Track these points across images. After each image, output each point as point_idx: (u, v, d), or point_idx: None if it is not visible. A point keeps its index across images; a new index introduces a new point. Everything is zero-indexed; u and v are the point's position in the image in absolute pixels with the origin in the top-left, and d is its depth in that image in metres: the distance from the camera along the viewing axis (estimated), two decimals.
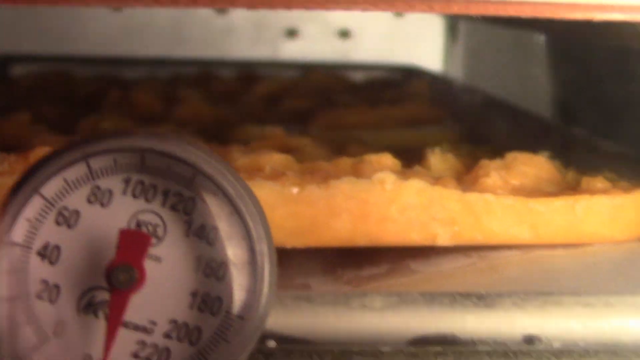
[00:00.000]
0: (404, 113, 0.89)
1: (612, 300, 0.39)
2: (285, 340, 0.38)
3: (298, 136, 0.70)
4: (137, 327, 0.36)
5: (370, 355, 0.39)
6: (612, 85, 0.87)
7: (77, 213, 0.36)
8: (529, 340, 0.38)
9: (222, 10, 1.07)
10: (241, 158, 0.56)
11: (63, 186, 0.35)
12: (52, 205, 0.35)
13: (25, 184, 0.35)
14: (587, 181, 0.58)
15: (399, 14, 1.11)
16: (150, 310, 0.36)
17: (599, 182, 0.57)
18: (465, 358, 0.40)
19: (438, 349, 0.38)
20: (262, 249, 0.36)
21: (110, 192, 0.36)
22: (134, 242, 0.35)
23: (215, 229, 0.36)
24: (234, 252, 0.36)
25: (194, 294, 0.36)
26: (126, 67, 1.02)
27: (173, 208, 0.36)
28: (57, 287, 0.36)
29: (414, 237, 0.52)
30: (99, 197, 0.36)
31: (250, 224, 0.36)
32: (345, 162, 0.57)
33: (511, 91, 1.00)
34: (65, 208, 0.36)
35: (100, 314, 0.36)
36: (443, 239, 0.52)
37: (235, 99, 0.92)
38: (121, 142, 0.35)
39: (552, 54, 0.96)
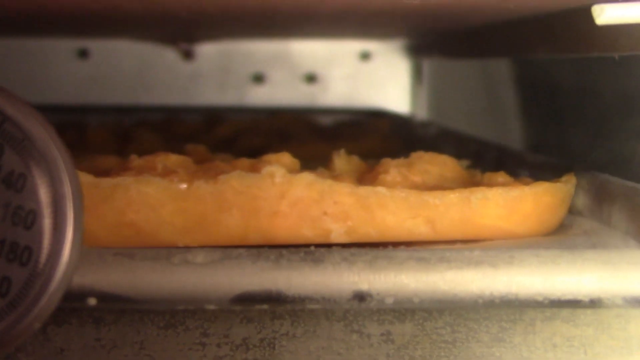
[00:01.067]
0: (358, 147, 0.88)
1: (447, 254, 0.38)
2: (106, 297, 0.37)
3: (221, 154, 0.69)
4: None
5: (197, 314, 0.38)
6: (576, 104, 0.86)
7: None
8: (360, 296, 0.37)
9: (188, 56, 1.08)
10: (137, 160, 0.56)
11: None
12: None
13: None
14: (488, 176, 0.57)
15: (365, 57, 1.11)
16: None
17: (500, 177, 0.56)
18: (297, 317, 0.38)
19: (265, 306, 0.37)
20: (67, 195, 0.35)
21: None
22: None
23: (22, 175, 0.35)
24: (41, 199, 0.35)
25: (1, 243, 0.35)
26: (92, 115, 1.02)
27: None
28: None
29: (307, 233, 0.50)
30: None
31: (57, 171, 0.35)
32: (244, 162, 0.56)
33: (479, 125, 1.00)
34: None
35: None
36: (337, 235, 0.50)
37: (194, 140, 0.92)
38: None
39: (518, 80, 0.96)
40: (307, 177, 0.51)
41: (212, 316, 0.38)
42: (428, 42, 1.03)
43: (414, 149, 0.59)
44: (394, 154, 0.88)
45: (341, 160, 0.60)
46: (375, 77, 1.10)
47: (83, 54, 1.09)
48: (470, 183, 0.57)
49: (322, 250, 0.38)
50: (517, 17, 0.70)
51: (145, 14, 0.78)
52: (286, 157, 0.56)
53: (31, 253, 0.35)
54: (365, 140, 0.92)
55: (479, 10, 0.67)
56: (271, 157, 0.56)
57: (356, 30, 0.97)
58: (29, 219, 0.35)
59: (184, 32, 1.03)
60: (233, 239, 0.50)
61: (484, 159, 0.73)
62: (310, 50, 1.10)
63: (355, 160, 0.60)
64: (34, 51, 1.05)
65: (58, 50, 1.07)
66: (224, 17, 0.78)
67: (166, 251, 0.38)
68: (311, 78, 1.10)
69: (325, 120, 1.05)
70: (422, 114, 1.07)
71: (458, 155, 0.79)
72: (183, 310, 0.38)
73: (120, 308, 0.38)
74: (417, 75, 1.09)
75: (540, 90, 0.95)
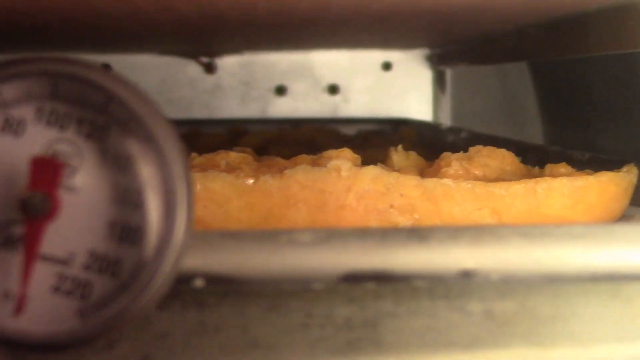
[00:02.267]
0: (387, 155, 0.88)
1: (550, 229, 0.38)
2: (213, 278, 0.37)
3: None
4: (56, 260, 0.35)
5: (300, 295, 0.38)
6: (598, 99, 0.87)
7: None
8: (466, 273, 0.37)
9: (210, 69, 1.08)
10: (198, 158, 0.56)
11: None
12: None
13: None
14: (550, 167, 0.57)
15: (387, 67, 1.12)
16: (68, 242, 0.35)
17: (562, 168, 0.57)
18: (400, 296, 0.38)
19: (373, 285, 0.37)
20: (177, 175, 0.35)
21: (24, 121, 0.35)
22: (46, 169, 0.35)
23: (130, 156, 0.36)
24: (150, 179, 0.35)
25: (112, 224, 0.35)
26: None
27: (88, 136, 0.35)
28: None
29: (374, 226, 0.50)
30: (12, 127, 0.35)
31: (165, 150, 0.35)
32: (304, 158, 0.56)
33: (503, 128, 1.00)
34: None
35: (19, 249, 0.35)
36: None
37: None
38: (31, 67, 0.35)
39: (537, 80, 0.96)
40: (373, 170, 0.51)
41: (315, 297, 0.38)
42: (450, 50, 1.04)
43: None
44: (429, 159, 0.89)
45: (399, 155, 0.60)
46: (397, 86, 1.11)
47: (105, 68, 1.08)
48: (529, 176, 0.57)
49: (427, 228, 0.38)
50: (552, 19, 0.71)
51: (166, 27, 0.79)
52: (347, 153, 0.56)
53: (142, 234, 0.35)
54: (394, 147, 0.91)
55: (526, 10, 0.68)
56: (332, 153, 0.56)
57: (378, 40, 0.97)
58: (139, 200, 0.35)
59: (205, 46, 1.03)
60: None
61: (527, 159, 0.73)
62: (331, 61, 1.10)
63: (413, 155, 0.61)
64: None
65: None
66: (244, 25, 0.78)
67: (271, 231, 0.38)
68: (333, 89, 1.11)
69: (349, 131, 1.05)
70: (445, 122, 1.08)
71: None
72: (286, 292, 0.38)
73: (223, 291, 0.38)
74: (439, 83, 1.10)
75: (560, 91, 0.96)
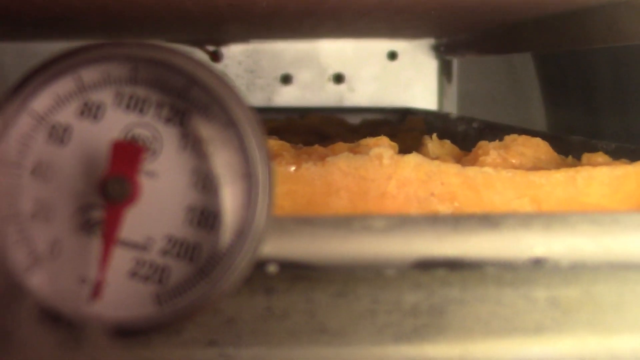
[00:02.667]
0: (401, 144, 0.88)
1: (619, 217, 0.38)
2: (286, 264, 0.37)
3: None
4: (134, 245, 0.35)
5: (367, 281, 0.38)
6: (603, 92, 0.87)
7: (69, 128, 0.35)
8: (536, 260, 0.37)
9: (215, 58, 1.08)
10: None
11: (54, 99, 0.35)
12: (43, 120, 0.35)
13: (14, 98, 0.34)
14: (587, 157, 0.57)
15: (392, 57, 1.12)
16: (146, 226, 0.35)
17: (600, 157, 0.57)
18: (467, 283, 0.39)
19: (444, 271, 0.37)
20: (258, 160, 0.35)
21: (103, 106, 0.35)
22: (127, 154, 0.34)
23: (211, 141, 0.35)
24: (230, 164, 0.35)
25: (190, 209, 0.35)
26: None
27: (168, 121, 0.35)
28: (51, 205, 0.35)
29: (414, 214, 0.51)
30: (91, 111, 0.35)
31: (246, 135, 0.35)
32: (342, 146, 0.56)
33: (508, 119, 1.01)
34: (57, 123, 0.35)
35: (97, 234, 0.35)
36: None
37: None
38: (112, 51, 0.35)
39: (542, 70, 0.97)
40: (414, 158, 0.51)
41: (382, 284, 0.39)
42: (456, 40, 1.04)
43: (460, 144, 0.60)
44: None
45: (435, 144, 0.60)
46: (403, 76, 1.11)
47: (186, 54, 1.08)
48: (564, 165, 0.58)
49: (498, 214, 0.38)
50: (558, 11, 0.71)
51: (171, 18, 0.79)
52: (385, 141, 0.57)
53: (222, 219, 0.35)
54: (405, 136, 0.92)
55: (531, 3, 0.68)
56: (370, 140, 0.57)
57: (383, 30, 0.98)
58: (218, 185, 0.35)
59: (210, 34, 1.03)
60: None
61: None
62: (337, 50, 1.10)
63: (448, 144, 0.61)
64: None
65: None
66: (247, 16, 0.78)
67: (344, 218, 0.38)
68: (339, 78, 1.11)
69: (354, 120, 1.05)
70: (451, 111, 1.08)
71: None
72: (354, 278, 0.38)
73: (291, 276, 0.38)
74: (446, 73, 1.10)
75: (565, 79, 0.96)
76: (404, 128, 0.99)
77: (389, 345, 0.38)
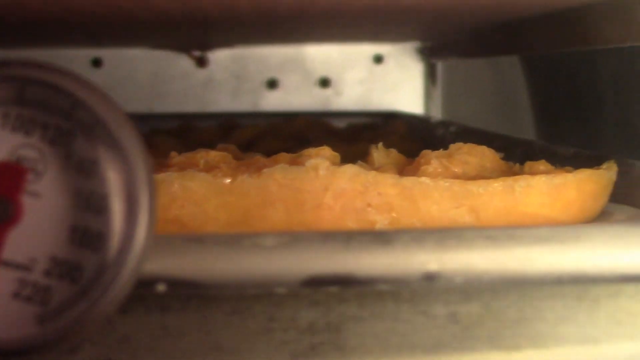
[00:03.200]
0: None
1: (515, 232, 0.38)
2: (175, 283, 0.37)
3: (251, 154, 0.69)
4: (17, 265, 0.35)
5: (263, 299, 0.38)
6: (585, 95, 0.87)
7: None
8: (429, 276, 0.37)
9: (201, 63, 1.08)
10: (177, 157, 0.56)
11: None
12: None
13: None
14: (529, 165, 0.57)
15: (378, 60, 1.11)
16: (30, 247, 0.35)
17: (542, 165, 0.56)
18: (364, 300, 0.38)
19: (336, 289, 0.37)
20: (140, 180, 0.35)
21: None
22: (10, 175, 0.34)
23: (95, 161, 0.35)
24: (113, 184, 0.35)
25: (73, 229, 0.35)
26: None
27: (53, 141, 0.35)
28: None
29: (351, 225, 0.50)
30: None
31: (130, 154, 0.35)
32: (284, 157, 0.56)
33: (494, 123, 1.00)
34: None
35: None
36: (381, 227, 0.50)
37: (212, 145, 0.92)
38: None
39: (529, 75, 0.96)
40: (351, 169, 0.51)
41: (278, 301, 0.38)
42: (441, 43, 1.03)
43: (435, 148, 0.59)
44: (416, 154, 0.88)
45: (380, 153, 0.60)
46: (389, 79, 1.10)
47: (97, 63, 1.09)
48: (509, 173, 0.57)
49: (391, 231, 0.38)
50: (544, 12, 0.71)
51: (155, 23, 0.79)
52: (327, 151, 0.56)
53: (103, 239, 0.35)
54: (385, 141, 0.91)
55: (516, 4, 0.68)
56: (311, 151, 0.56)
57: (369, 33, 0.97)
58: (101, 205, 0.35)
59: (196, 39, 1.03)
60: None
61: (512, 154, 0.73)
62: (323, 55, 1.10)
63: (394, 153, 0.60)
64: (46, 61, 1.05)
65: (72, 60, 1.07)
66: (232, 21, 0.78)
67: (235, 236, 0.38)
68: (325, 82, 1.11)
69: (340, 124, 1.05)
70: (437, 115, 1.08)
71: None
72: (249, 296, 0.38)
73: (187, 294, 0.38)
74: (430, 76, 1.09)
75: (553, 84, 0.96)
76: (386, 132, 0.99)
77: None
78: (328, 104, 1.10)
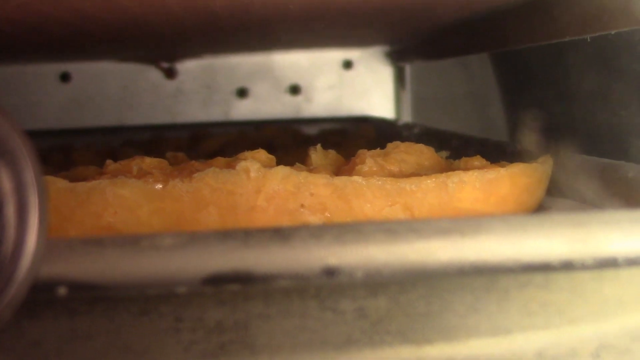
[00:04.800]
0: (344, 153, 0.88)
1: (415, 225, 0.37)
2: (76, 286, 0.37)
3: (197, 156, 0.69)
4: None
5: (170, 299, 0.38)
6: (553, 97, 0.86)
7: None
8: (329, 271, 0.37)
9: (170, 74, 1.08)
10: (112, 164, 0.56)
11: None
12: None
13: None
14: (464, 161, 0.57)
15: (347, 66, 1.11)
16: None
17: (476, 161, 0.56)
18: (270, 297, 0.38)
19: (236, 286, 0.37)
20: (30, 185, 0.35)
21: None
22: None
23: None
24: (3, 188, 0.35)
25: None
26: (77, 137, 1.02)
27: None
28: None
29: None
30: None
31: (18, 159, 0.35)
32: (219, 161, 0.56)
33: (465, 122, 1.00)
34: None
35: None
36: None
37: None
38: None
39: (499, 75, 0.96)
40: (282, 170, 0.51)
41: (185, 301, 0.38)
42: (408, 46, 1.03)
43: None
44: None
45: (318, 154, 0.60)
46: (359, 84, 1.10)
47: (65, 77, 1.09)
48: (448, 170, 0.57)
49: (290, 227, 0.37)
50: (505, 6, 0.71)
51: (122, 31, 0.79)
52: (262, 154, 0.56)
53: None
54: (351, 145, 0.91)
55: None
56: (247, 154, 0.56)
57: (338, 38, 0.97)
58: None
59: (165, 51, 1.03)
60: None
61: (467, 152, 0.73)
62: (292, 62, 1.10)
63: (332, 154, 0.60)
64: (14, 77, 1.06)
65: (39, 75, 1.07)
66: (201, 27, 0.78)
67: (134, 236, 0.38)
68: (295, 89, 1.11)
69: (311, 130, 1.05)
70: (407, 118, 1.08)
71: (441, 149, 0.79)
72: (156, 296, 0.38)
73: (92, 297, 0.38)
74: (399, 80, 1.09)
75: (520, 80, 0.96)
76: (355, 136, 0.99)
77: None
78: (299, 111, 1.11)
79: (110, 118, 1.08)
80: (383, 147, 0.92)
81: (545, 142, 0.72)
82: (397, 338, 0.39)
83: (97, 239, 0.38)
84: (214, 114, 1.10)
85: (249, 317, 0.38)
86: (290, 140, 0.99)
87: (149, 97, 1.09)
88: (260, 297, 0.38)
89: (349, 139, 0.97)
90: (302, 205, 0.51)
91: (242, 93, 1.10)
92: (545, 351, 0.39)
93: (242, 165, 0.51)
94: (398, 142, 0.58)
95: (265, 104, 1.10)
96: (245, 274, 0.37)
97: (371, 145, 0.93)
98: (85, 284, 0.37)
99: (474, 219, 0.38)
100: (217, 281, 0.37)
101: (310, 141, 0.99)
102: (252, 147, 0.94)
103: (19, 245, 0.35)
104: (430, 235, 0.37)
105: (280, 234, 0.37)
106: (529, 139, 0.70)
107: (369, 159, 0.56)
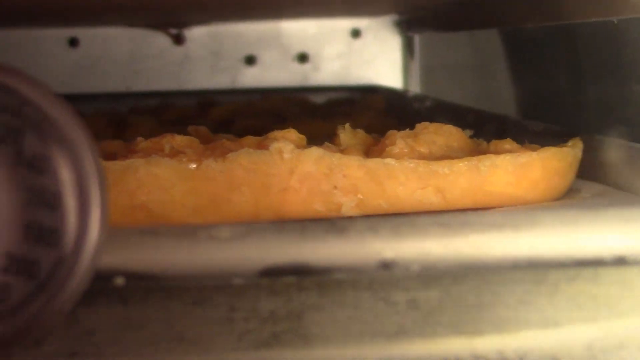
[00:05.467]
0: (354, 124, 0.88)
1: (469, 218, 0.38)
2: (133, 276, 0.37)
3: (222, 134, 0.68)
4: None
5: (224, 289, 0.38)
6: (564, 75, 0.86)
7: None
8: (385, 264, 0.37)
9: (178, 40, 1.08)
10: (143, 142, 0.56)
11: None
12: None
13: None
14: (495, 144, 0.57)
15: (356, 34, 1.11)
16: None
17: (507, 144, 0.56)
18: (324, 288, 0.38)
19: (292, 279, 0.37)
20: (91, 175, 0.35)
21: None
22: None
23: (45, 157, 0.35)
24: (65, 180, 0.35)
25: (28, 226, 0.35)
26: (84, 103, 1.02)
27: (2, 139, 0.35)
28: None
29: (318, 208, 0.51)
30: None
31: (79, 149, 0.35)
32: (250, 140, 0.56)
33: (473, 96, 1.00)
34: None
35: None
36: (348, 209, 0.50)
37: (189, 123, 0.92)
38: None
39: (508, 49, 0.96)
40: (315, 151, 0.51)
41: (239, 291, 0.39)
42: (418, 17, 1.03)
43: (410, 123, 0.59)
44: (391, 129, 0.88)
45: (347, 134, 0.60)
46: (367, 53, 1.10)
47: (73, 42, 1.08)
48: (476, 152, 0.57)
49: (345, 220, 0.38)
50: None
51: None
52: (292, 134, 0.56)
53: (58, 235, 0.35)
54: (361, 116, 0.91)
55: None
56: (277, 134, 0.56)
57: (346, 7, 0.97)
58: (54, 201, 0.35)
59: (173, 17, 1.02)
60: (244, 217, 0.50)
61: (484, 129, 0.73)
62: (300, 30, 1.09)
63: (361, 133, 0.60)
64: (23, 41, 1.05)
65: (48, 40, 1.06)
66: None
67: (191, 227, 0.38)
68: (303, 57, 1.10)
69: (319, 99, 1.05)
70: (415, 88, 1.08)
71: (457, 126, 0.79)
72: (210, 286, 0.38)
73: (147, 286, 0.38)
74: (408, 50, 1.09)
75: (531, 57, 0.96)
76: (363, 106, 0.99)
77: (249, 352, 0.39)
78: (307, 79, 1.10)
79: (117, 83, 1.07)
80: (394, 118, 0.92)
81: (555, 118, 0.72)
82: (448, 329, 0.39)
83: (153, 228, 0.38)
84: (221, 81, 1.09)
85: (302, 308, 0.38)
86: (299, 110, 0.98)
87: (156, 63, 1.08)
88: (314, 287, 0.38)
89: (358, 110, 0.97)
90: (335, 187, 0.51)
91: (249, 60, 1.10)
92: (594, 344, 0.39)
93: (275, 146, 0.51)
94: (427, 123, 0.58)
95: (273, 72, 1.09)
96: (302, 267, 0.37)
97: (381, 117, 0.93)
98: (142, 274, 0.37)
99: (525, 212, 0.39)
100: (274, 273, 0.37)
101: (318, 111, 0.99)
102: (262, 116, 0.95)
103: (81, 237, 0.35)
104: (484, 229, 0.38)
105: (336, 227, 0.37)
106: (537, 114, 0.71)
107: (399, 140, 0.56)
